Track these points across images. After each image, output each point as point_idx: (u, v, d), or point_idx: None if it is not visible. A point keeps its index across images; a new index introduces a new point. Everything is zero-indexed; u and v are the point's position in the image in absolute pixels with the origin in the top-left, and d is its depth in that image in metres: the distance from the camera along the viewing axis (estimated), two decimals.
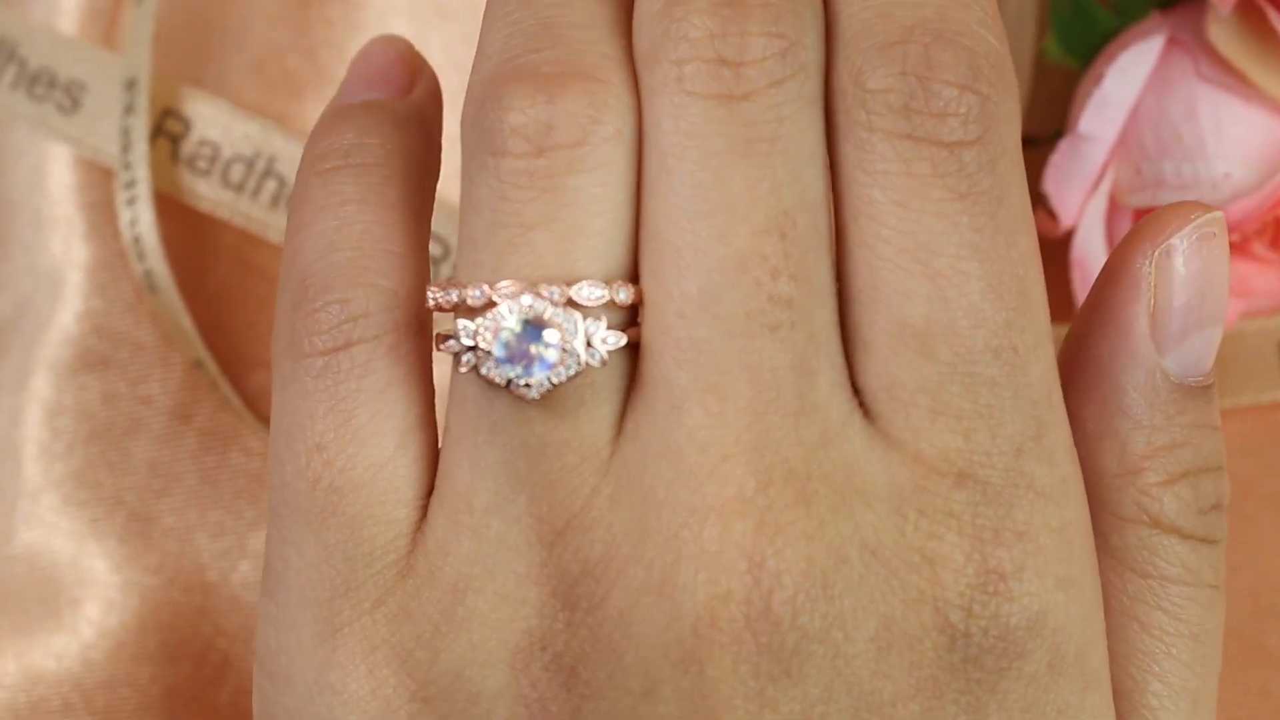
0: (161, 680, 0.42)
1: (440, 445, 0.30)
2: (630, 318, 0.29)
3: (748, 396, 0.28)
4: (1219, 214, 0.31)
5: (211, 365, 0.43)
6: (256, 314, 0.43)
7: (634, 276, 0.29)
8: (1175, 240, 0.30)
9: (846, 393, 0.29)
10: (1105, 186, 0.41)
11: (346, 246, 0.30)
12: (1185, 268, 0.30)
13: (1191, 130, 0.40)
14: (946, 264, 0.28)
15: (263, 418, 0.43)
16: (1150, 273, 0.30)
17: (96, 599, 0.42)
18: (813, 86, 0.29)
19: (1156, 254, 0.30)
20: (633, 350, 0.29)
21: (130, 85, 0.42)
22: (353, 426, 0.29)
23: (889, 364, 0.29)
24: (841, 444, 0.28)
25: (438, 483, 0.30)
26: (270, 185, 0.43)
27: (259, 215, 0.43)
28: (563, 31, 0.29)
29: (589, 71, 0.29)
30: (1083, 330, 0.31)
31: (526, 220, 0.28)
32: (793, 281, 0.28)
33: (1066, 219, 0.41)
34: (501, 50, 0.29)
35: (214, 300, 0.43)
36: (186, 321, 0.43)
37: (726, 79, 0.28)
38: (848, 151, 0.29)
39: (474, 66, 0.30)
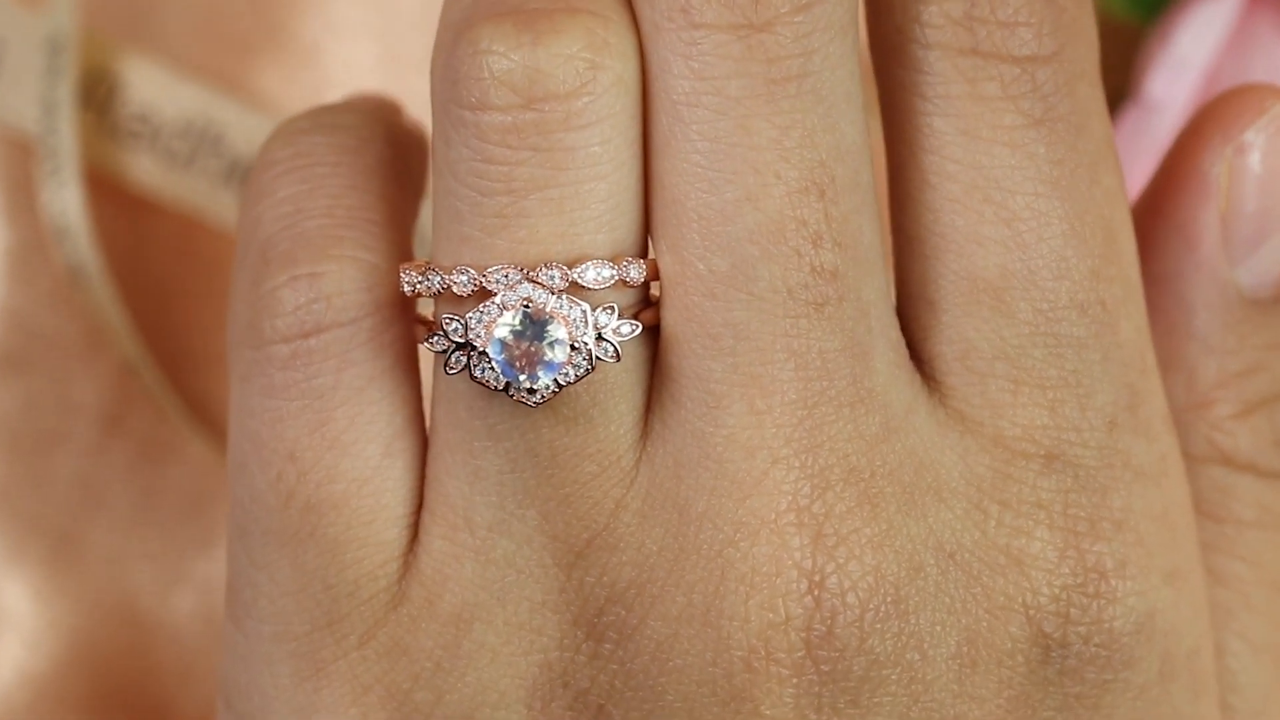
0: None
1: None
2: (643, 297, 0.28)
3: (796, 388, 0.27)
4: None
5: (147, 367, 0.41)
6: (199, 308, 0.42)
7: (642, 248, 0.27)
8: (1250, 134, 0.29)
9: (908, 372, 0.28)
10: None
11: (316, 213, 0.29)
12: (1262, 165, 0.29)
13: None
14: (1023, 203, 0.27)
15: (206, 425, 0.42)
16: (1222, 174, 0.29)
17: (16, 636, 0.42)
18: (843, 11, 0.27)
19: (1229, 151, 0.29)
20: (649, 334, 0.28)
21: (53, 44, 0.41)
22: (330, 432, 0.28)
23: (961, 326, 0.27)
24: (907, 434, 0.27)
25: (427, 493, 0.29)
26: (216, 160, 0.42)
27: (203, 195, 0.42)
28: None
29: (582, 5, 0.27)
30: (1140, 243, 0.30)
31: (517, 186, 0.27)
32: (837, 248, 0.27)
33: (1132, 194, 0.39)
34: None
35: (150, 293, 0.42)
36: (119, 317, 0.41)
37: (741, 5, 0.26)
38: (901, 76, 0.27)
39: (442, 13, 0.28)
